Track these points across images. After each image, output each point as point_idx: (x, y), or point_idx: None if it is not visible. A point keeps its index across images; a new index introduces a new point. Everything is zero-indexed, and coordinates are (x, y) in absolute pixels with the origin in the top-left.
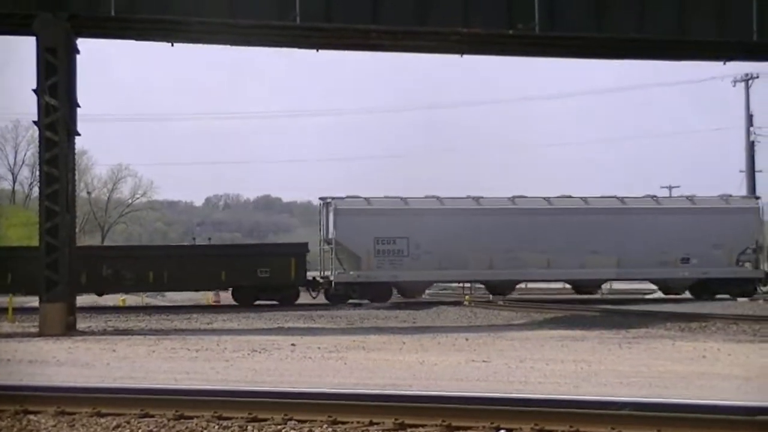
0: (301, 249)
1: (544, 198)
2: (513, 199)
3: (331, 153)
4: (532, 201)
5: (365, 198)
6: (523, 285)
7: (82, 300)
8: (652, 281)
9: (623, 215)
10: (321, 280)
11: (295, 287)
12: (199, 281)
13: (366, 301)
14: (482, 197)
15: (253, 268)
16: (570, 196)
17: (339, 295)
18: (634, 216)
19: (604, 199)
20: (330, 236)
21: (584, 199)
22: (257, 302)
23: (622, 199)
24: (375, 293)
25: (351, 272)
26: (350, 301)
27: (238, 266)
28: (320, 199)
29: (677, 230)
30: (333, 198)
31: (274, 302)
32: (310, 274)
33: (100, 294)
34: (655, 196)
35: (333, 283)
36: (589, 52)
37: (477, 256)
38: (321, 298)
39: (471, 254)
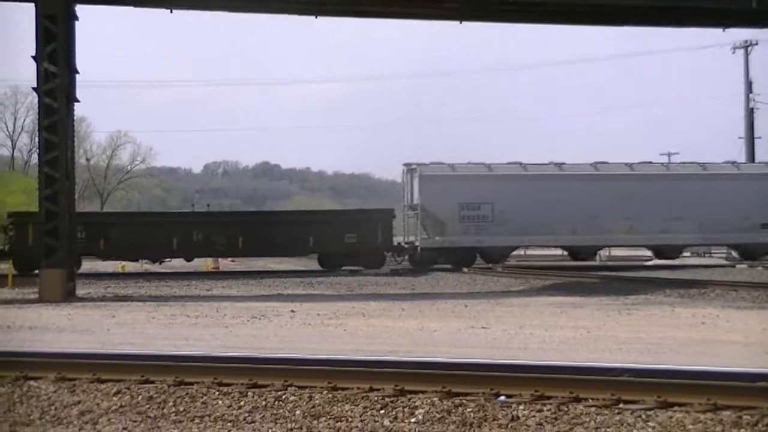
0: (388, 214)
1: (627, 164)
2: (596, 165)
3: (331, 120)
4: (615, 167)
5: (449, 164)
6: (521, 252)
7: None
8: (733, 246)
9: (704, 181)
10: (406, 246)
11: (381, 253)
12: (287, 247)
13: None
14: (565, 163)
15: (340, 233)
16: (651, 163)
17: (424, 260)
18: (716, 182)
19: (685, 165)
20: (415, 202)
21: (666, 165)
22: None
23: (703, 165)
24: (459, 258)
25: (436, 238)
26: (435, 266)
27: (326, 232)
28: (404, 165)
29: (758, 196)
30: (418, 164)
31: (359, 268)
32: (395, 240)
33: (189, 259)
34: (735, 162)
35: (419, 248)
36: (587, 19)
37: (560, 222)
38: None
39: (554, 220)
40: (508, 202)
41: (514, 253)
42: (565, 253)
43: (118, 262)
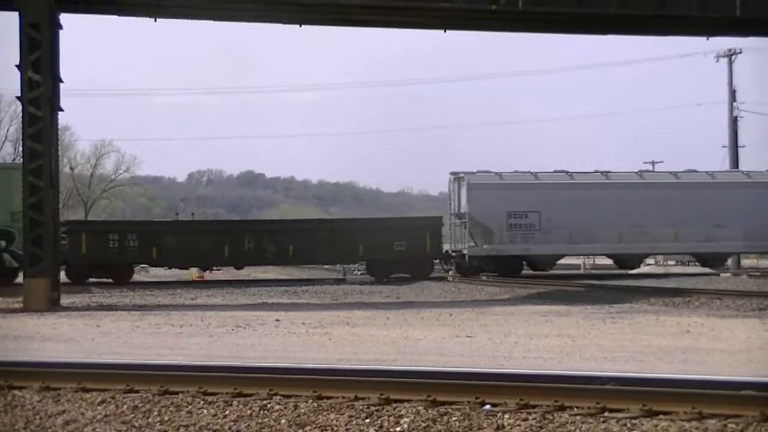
0: (436, 222)
1: (671, 173)
2: (641, 173)
3: (312, 129)
4: (660, 175)
5: (496, 173)
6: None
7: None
8: None
9: (749, 189)
10: (453, 254)
11: (430, 260)
12: (336, 255)
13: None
14: (611, 171)
15: (389, 241)
16: (696, 171)
17: (472, 268)
18: (761, 190)
19: (730, 173)
20: (462, 210)
21: (711, 174)
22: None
23: (748, 174)
24: (507, 266)
25: (483, 246)
26: (482, 274)
27: (375, 240)
28: (451, 173)
29: None
30: (465, 173)
31: (407, 276)
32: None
33: (239, 267)
34: None
35: (467, 256)
36: (572, 28)
37: (606, 230)
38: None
39: (600, 228)
40: (554, 210)
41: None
42: (611, 261)
43: (170, 270)
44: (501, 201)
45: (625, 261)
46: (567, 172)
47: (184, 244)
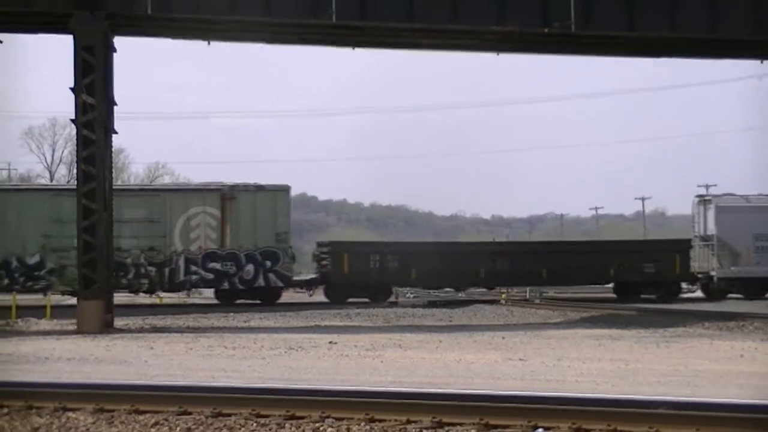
0: (685, 245)
1: None
2: None
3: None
4: None
5: (743, 196)
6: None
7: (120, 299)
8: None
9: None
10: (699, 275)
11: (678, 283)
12: (587, 276)
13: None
14: None
15: (639, 263)
16: None
17: (720, 290)
18: None
19: None
20: (709, 233)
21: None
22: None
23: None
24: (753, 289)
25: (731, 268)
26: (729, 295)
27: (625, 262)
28: (697, 197)
29: None
30: (713, 196)
31: (652, 296)
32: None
33: (491, 288)
34: None
35: (714, 278)
36: (623, 51)
37: None
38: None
39: None
40: None
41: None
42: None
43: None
44: (748, 223)
45: None
46: None
47: (442, 265)
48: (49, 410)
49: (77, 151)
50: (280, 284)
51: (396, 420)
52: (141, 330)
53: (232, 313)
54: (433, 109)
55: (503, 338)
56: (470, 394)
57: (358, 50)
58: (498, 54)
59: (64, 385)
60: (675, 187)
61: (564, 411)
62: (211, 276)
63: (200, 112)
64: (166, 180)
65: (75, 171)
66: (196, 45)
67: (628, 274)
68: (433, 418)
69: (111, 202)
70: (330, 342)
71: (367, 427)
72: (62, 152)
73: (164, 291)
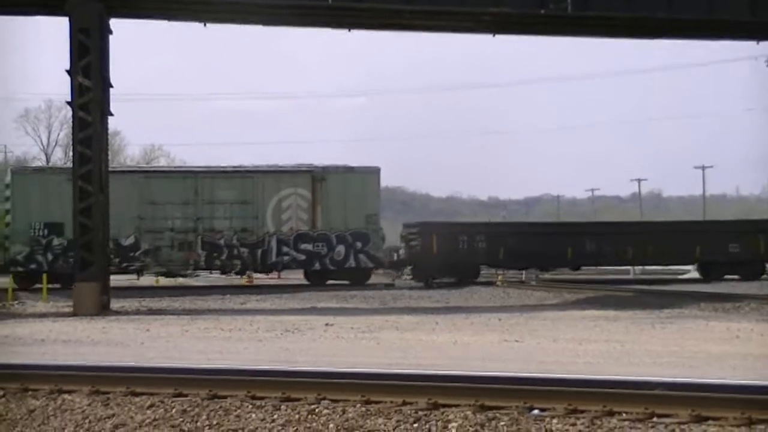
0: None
1: None
2: None
3: (365, 134)
4: None
5: None
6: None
7: (117, 280)
8: None
9: None
10: None
11: (762, 262)
12: (674, 256)
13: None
14: None
15: (724, 244)
16: None
17: None
18: None
19: None
20: None
21: None
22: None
23: None
24: None
25: None
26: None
27: (712, 242)
28: None
29: None
30: None
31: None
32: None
33: (577, 268)
34: None
35: None
36: (620, 32)
37: None
38: None
39: None
40: None
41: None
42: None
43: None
44: None
45: None
46: None
47: (529, 246)
48: (45, 392)
49: (73, 134)
50: (371, 265)
51: (392, 402)
52: (137, 312)
53: (228, 295)
54: (427, 90)
55: (499, 320)
56: (466, 376)
57: (354, 32)
58: (494, 35)
59: (59, 368)
60: (670, 168)
61: (559, 392)
62: (302, 257)
63: (195, 94)
64: (162, 162)
65: (71, 153)
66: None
67: (713, 253)
68: (429, 399)
69: (107, 184)
70: (326, 324)
71: (363, 408)
72: (58, 134)
73: (256, 272)
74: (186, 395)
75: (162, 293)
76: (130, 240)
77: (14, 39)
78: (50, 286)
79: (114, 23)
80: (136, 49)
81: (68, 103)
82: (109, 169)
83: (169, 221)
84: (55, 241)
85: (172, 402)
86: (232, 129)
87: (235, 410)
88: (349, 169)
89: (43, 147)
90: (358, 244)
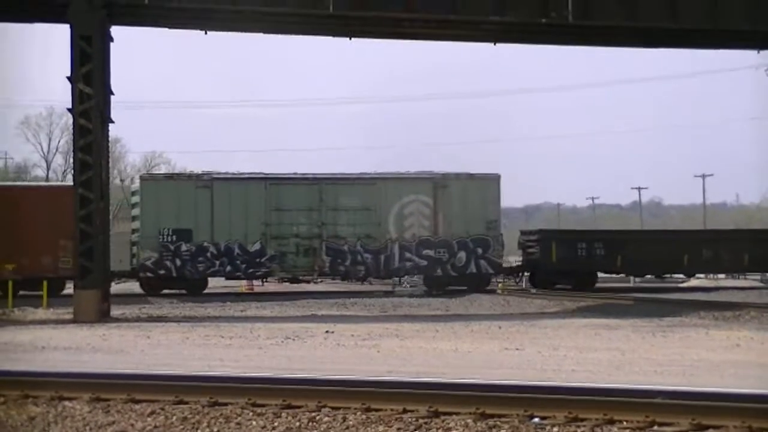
0: None
1: None
2: None
3: (363, 141)
4: None
5: None
6: None
7: (118, 287)
8: None
9: None
10: None
11: None
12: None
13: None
14: None
15: None
16: None
17: None
18: None
19: None
20: None
21: None
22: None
23: None
24: None
25: None
26: None
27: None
28: None
29: None
30: None
31: None
32: None
33: (691, 275)
34: None
35: None
36: (621, 41)
37: None
38: None
39: None
40: None
41: None
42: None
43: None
44: None
45: None
46: None
47: (646, 253)
48: (46, 399)
49: (74, 141)
50: (491, 271)
51: (392, 409)
52: (137, 319)
53: (228, 303)
54: (429, 98)
55: (500, 328)
56: (466, 384)
57: (356, 40)
58: (495, 44)
59: (60, 374)
60: (671, 176)
61: (560, 400)
62: (424, 263)
63: (196, 102)
64: (162, 169)
65: (72, 160)
66: (193, 34)
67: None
68: (430, 407)
69: (108, 191)
70: (326, 331)
71: (364, 416)
72: (59, 141)
73: (378, 278)
74: (187, 402)
75: (162, 300)
76: (256, 246)
77: (16, 46)
78: (175, 292)
79: (115, 30)
80: (137, 55)
81: (69, 110)
82: (236, 175)
83: (294, 227)
84: (184, 247)
85: (173, 409)
86: (233, 136)
87: (236, 417)
88: (470, 176)
89: (44, 154)
90: (479, 250)
